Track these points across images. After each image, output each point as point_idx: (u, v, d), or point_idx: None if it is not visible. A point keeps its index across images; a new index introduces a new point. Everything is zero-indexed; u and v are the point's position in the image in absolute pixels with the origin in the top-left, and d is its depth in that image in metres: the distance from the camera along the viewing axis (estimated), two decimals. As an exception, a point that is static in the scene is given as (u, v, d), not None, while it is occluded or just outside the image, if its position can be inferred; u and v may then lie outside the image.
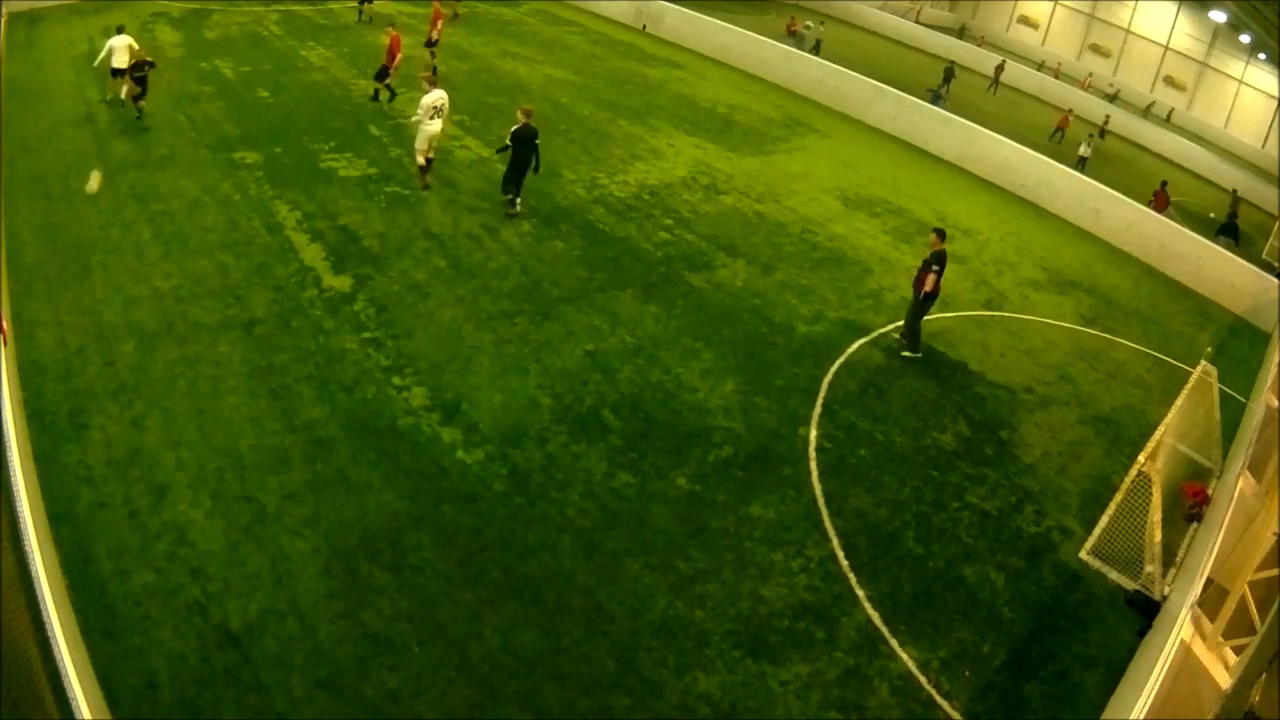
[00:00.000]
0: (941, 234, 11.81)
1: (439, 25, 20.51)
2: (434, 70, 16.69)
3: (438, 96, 13.49)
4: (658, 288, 12.38)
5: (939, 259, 11.60)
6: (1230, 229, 24.33)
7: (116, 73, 15.06)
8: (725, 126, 20.64)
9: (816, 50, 26.95)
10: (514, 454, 8.67)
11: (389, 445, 8.44)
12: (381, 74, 17.43)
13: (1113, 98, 42.87)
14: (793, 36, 29.92)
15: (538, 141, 13.17)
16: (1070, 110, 33.52)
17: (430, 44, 20.17)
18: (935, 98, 26.51)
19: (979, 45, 46.42)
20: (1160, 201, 23.81)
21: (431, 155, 13.84)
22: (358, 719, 5.98)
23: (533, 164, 13.24)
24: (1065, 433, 11.38)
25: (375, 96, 17.46)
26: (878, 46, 39.56)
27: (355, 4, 23.51)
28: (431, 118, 13.38)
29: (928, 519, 9.14)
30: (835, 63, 25.95)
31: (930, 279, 11.48)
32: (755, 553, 8.11)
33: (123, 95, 15.18)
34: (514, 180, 13.34)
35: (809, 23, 30.94)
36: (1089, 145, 27.71)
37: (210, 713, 5.79)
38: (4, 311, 8.09)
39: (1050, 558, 9.08)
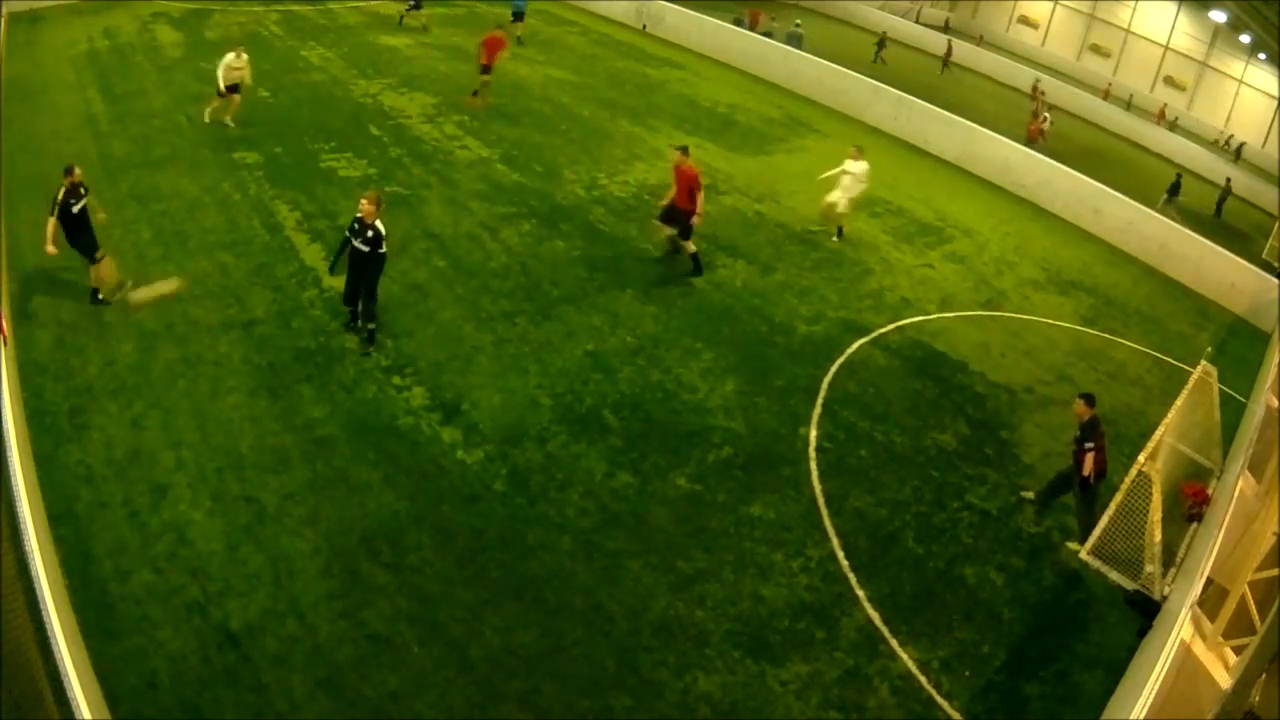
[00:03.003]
0: (1090, 400, 9.29)
1: (498, 52, 18.43)
2: (474, 91, 17.81)
3: (854, 166, 14.81)
4: (658, 288, 12.38)
5: (1091, 431, 9.09)
6: (1174, 189, 26.91)
7: (230, 89, 14.71)
8: (725, 126, 20.64)
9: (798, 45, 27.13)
10: (514, 454, 8.67)
11: (389, 445, 8.44)
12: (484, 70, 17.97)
13: (1232, 148, 40.55)
14: (747, 27, 30.04)
15: (381, 250, 9.44)
16: (1043, 91, 35.76)
17: (485, 69, 18.16)
18: (796, 40, 27.54)
19: (978, 44, 46.43)
20: (1033, 132, 27.75)
21: (839, 220, 15.27)
22: (358, 719, 5.98)
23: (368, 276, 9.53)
24: (1065, 433, 11.32)
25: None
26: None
27: (403, 9, 23.17)
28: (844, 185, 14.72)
29: (928, 519, 9.14)
30: (834, 62, 25.94)
31: (1089, 459, 9.01)
32: (755, 553, 8.11)
33: (212, 116, 14.74)
34: (357, 292, 9.66)
35: (798, 21, 31.02)
36: (1048, 120, 29.79)
37: (210, 713, 5.79)
38: (4, 311, 8.09)
39: (1050, 558, 9.08)
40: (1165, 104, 43.99)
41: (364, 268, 9.48)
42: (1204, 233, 19.87)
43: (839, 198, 14.92)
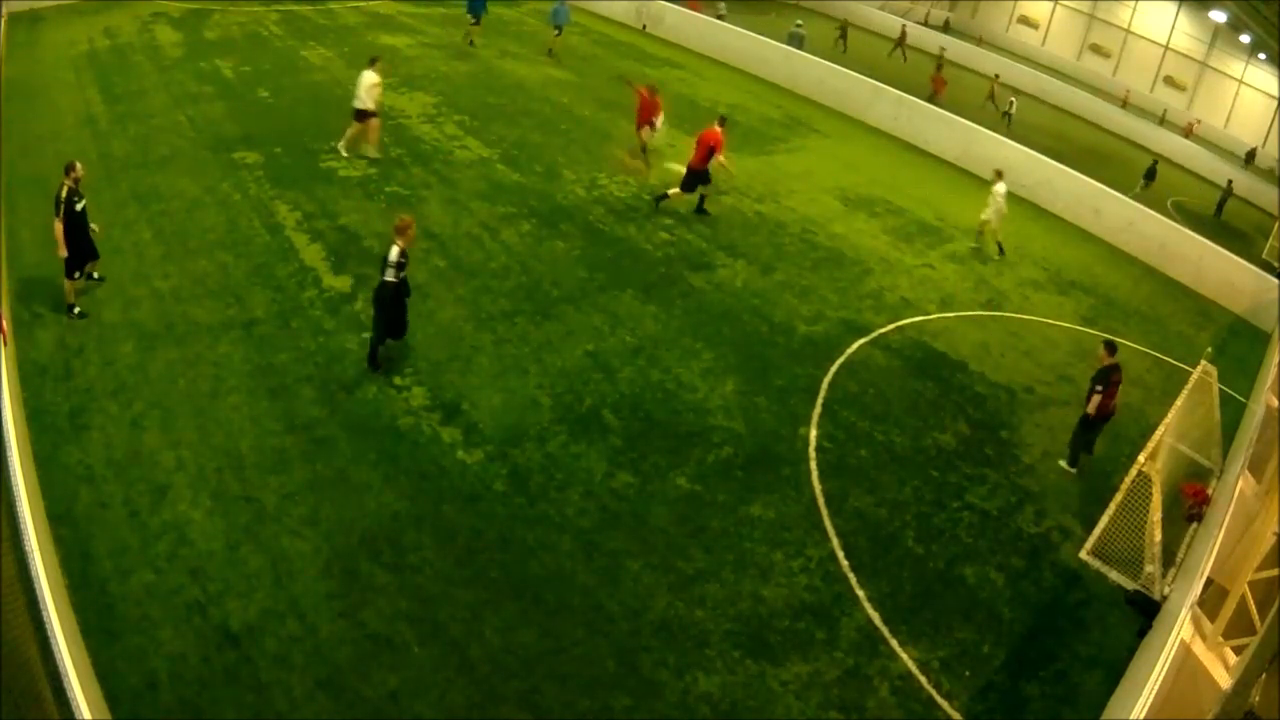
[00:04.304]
0: (1110, 346, 10.24)
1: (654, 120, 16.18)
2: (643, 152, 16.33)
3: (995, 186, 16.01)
4: (658, 288, 12.38)
5: (1102, 376, 10.06)
6: (1150, 173, 27.94)
7: (360, 114, 13.81)
8: (726, 126, 20.58)
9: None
10: (514, 454, 8.67)
11: (389, 445, 8.44)
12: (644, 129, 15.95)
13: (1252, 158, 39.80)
14: (712, 12, 30.25)
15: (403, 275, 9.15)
16: (997, 75, 36.37)
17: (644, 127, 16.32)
18: (798, 40, 28.01)
19: (978, 44, 46.47)
20: (937, 84, 28.94)
21: (993, 235, 16.47)
22: (358, 719, 5.98)
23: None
24: (1065, 433, 11.35)
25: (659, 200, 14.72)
26: (878, 46, 39.55)
27: (469, 28, 22.60)
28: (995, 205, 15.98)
29: (928, 519, 9.14)
30: (833, 63, 25.98)
31: (1094, 400, 10.03)
32: (755, 553, 8.11)
33: (343, 147, 14.01)
34: (382, 336, 9.40)
35: (800, 21, 31.07)
36: (1013, 104, 31.64)
37: (210, 713, 5.79)
38: (4, 311, 8.09)
39: (1050, 558, 9.08)
40: (1199, 120, 42.99)
41: (407, 290, 9.27)
42: (1204, 233, 19.89)
43: (990, 216, 16.17)
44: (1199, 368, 11.32)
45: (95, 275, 9.67)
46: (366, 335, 9.96)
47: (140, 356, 8.95)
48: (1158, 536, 8.54)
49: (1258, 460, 10.22)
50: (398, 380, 9.37)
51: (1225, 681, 6.57)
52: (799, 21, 30.95)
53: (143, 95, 15.60)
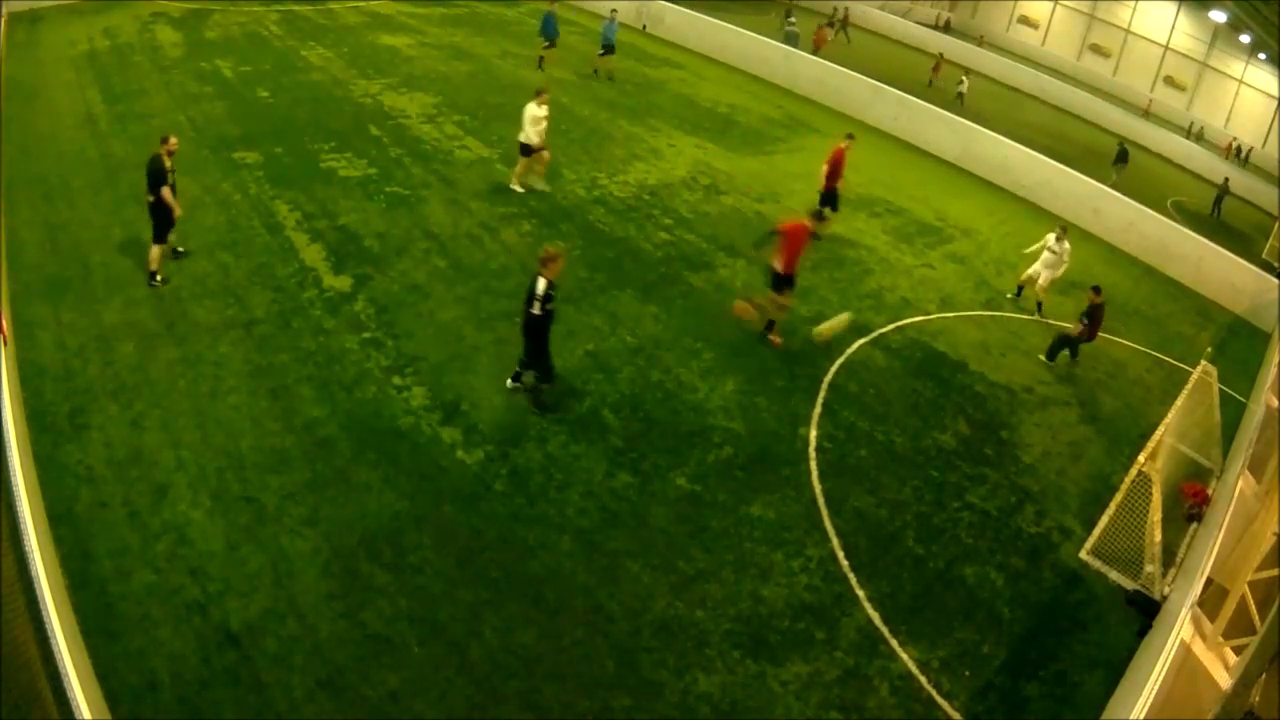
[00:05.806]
0: (1097, 290, 12.69)
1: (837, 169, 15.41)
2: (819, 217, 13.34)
3: (1056, 243, 14.15)
4: (658, 288, 12.38)
5: (1088, 311, 12.68)
6: (1122, 156, 28.01)
7: (525, 149, 13.87)
8: (725, 126, 20.63)
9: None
10: (514, 454, 8.67)
11: (389, 445, 8.44)
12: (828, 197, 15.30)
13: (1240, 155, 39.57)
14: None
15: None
16: (941, 54, 36.85)
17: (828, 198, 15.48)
18: (794, 39, 28.70)
19: (979, 44, 46.47)
20: (819, 40, 30.87)
21: (1038, 295, 14.55)
22: (358, 719, 5.98)
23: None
24: (1065, 433, 11.38)
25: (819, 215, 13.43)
26: (879, 47, 39.59)
27: (541, 51, 21.79)
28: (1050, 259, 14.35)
29: (928, 519, 9.14)
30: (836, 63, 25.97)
31: (1078, 327, 12.88)
32: (755, 553, 8.11)
33: (515, 184, 14.09)
34: (532, 364, 9.20)
35: (793, 19, 31.09)
36: (964, 83, 31.96)
37: (210, 713, 5.79)
38: (4, 311, 8.09)
39: (1050, 558, 9.08)
40: (1235, 138, 41.50)
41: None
42: (1204, 232, 19.88)
43: (1038, 271, 14.43)
44: (1199, 368, 11.32)
45: (180, 249, 10.51)
46: (366, 335, 9.98)
47: (140, 356, 8.95)
48: (1158, 536, 8.54)
49: (1258, 460, 10.22)
50: (397, 380, 9.37)
51: (1225, 681, 6.57)
52: (792, 19, 30.96)
53: (143, 95, 15.61)
